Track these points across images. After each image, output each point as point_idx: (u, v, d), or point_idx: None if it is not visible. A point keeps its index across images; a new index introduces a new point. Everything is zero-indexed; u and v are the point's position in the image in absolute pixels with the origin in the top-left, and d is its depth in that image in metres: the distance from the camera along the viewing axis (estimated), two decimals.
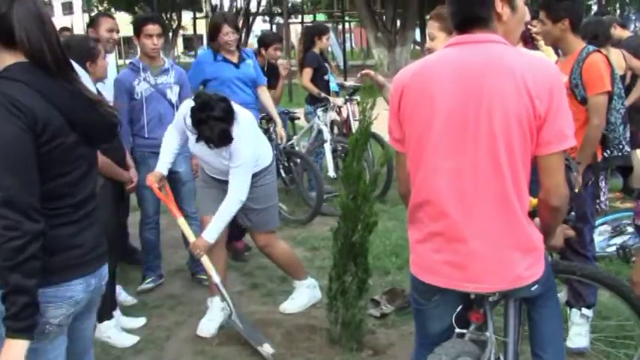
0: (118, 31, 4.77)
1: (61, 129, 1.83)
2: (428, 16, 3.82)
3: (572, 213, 2.44)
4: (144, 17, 4.63)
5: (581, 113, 3.34)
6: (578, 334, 3.45)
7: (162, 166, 3.93)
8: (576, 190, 3.12)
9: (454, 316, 2.18)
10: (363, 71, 3.69)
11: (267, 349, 3.54)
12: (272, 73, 6.36)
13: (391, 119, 2.21)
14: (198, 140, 3.52)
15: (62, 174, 1.87)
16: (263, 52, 6.45)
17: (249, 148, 3.68)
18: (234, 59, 5.09)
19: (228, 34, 4.95)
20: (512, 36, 2.15)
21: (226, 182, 3.74)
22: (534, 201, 2.14)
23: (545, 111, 1.96)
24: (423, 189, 2.12)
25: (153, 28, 4.46)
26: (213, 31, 5.04)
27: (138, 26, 4.48)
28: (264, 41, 6.58)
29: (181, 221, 3.89)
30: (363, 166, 3.53)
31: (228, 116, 3.46)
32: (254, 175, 3.78)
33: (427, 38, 3.35)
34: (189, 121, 3.49)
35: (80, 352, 2.16)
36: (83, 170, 1.95)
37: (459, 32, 2.10)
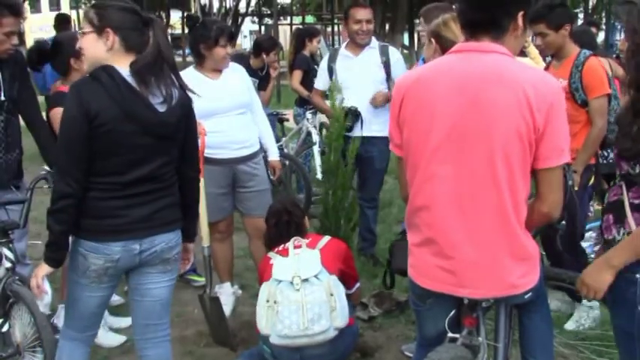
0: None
1: (115, 118, 2.31)
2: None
3: (563, 222, 2.46)
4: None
5: (582, 116, 3.43)
6: (577, 320, 3.68)
7: None
8: (575, 189, 3.17)
9: (447, 320, 2.20)
10: None
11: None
12: (268, 77, 6.38)
13: (392, 125, 2.22)
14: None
15: (114, 154, 2.37)
16: (264, 56, 6.41)
17: None
18: None
19: None
20: (514, 51, 2.14)
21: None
22: None
23: (544, 125, 1.97)
24: (419, 194, 2.13)
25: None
26: None
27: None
28: (264, 46, 6.50)
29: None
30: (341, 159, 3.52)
31: None
32: (257, 154, 4.02)
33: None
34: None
35: (150, 309, 2.64)
36: (138, 156, 2.40)
37: (466, 36, 2.09)
